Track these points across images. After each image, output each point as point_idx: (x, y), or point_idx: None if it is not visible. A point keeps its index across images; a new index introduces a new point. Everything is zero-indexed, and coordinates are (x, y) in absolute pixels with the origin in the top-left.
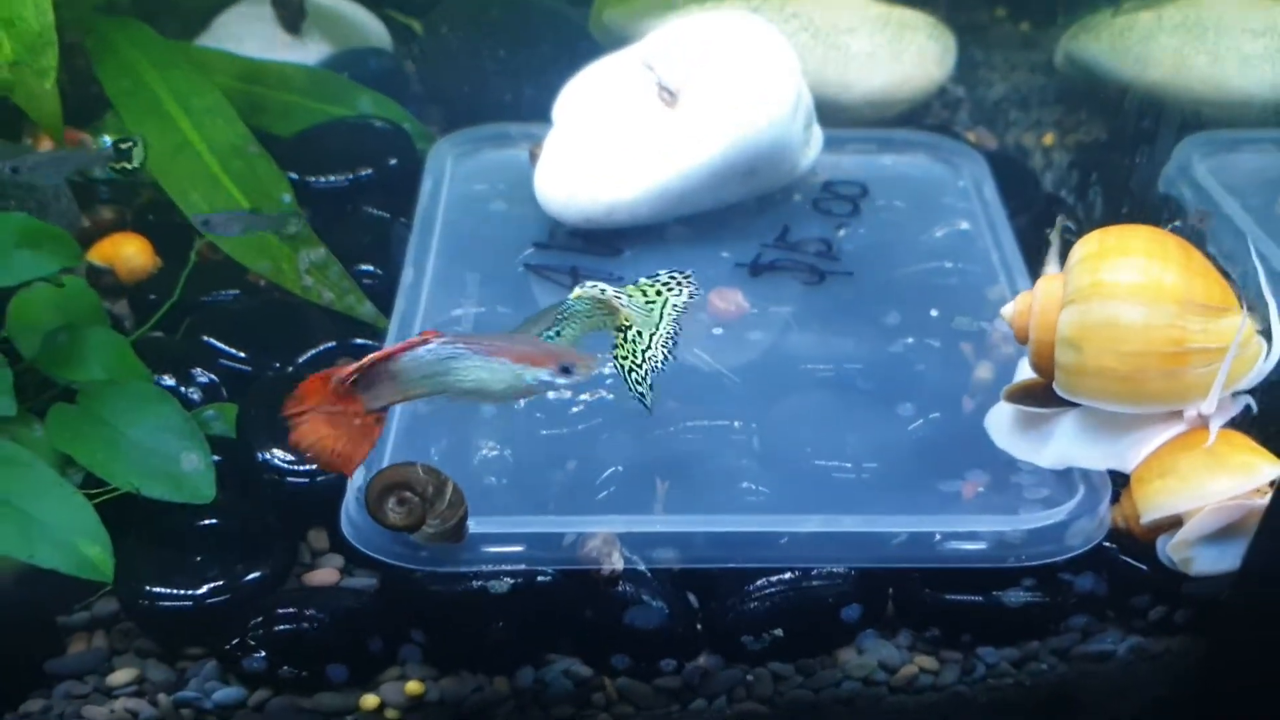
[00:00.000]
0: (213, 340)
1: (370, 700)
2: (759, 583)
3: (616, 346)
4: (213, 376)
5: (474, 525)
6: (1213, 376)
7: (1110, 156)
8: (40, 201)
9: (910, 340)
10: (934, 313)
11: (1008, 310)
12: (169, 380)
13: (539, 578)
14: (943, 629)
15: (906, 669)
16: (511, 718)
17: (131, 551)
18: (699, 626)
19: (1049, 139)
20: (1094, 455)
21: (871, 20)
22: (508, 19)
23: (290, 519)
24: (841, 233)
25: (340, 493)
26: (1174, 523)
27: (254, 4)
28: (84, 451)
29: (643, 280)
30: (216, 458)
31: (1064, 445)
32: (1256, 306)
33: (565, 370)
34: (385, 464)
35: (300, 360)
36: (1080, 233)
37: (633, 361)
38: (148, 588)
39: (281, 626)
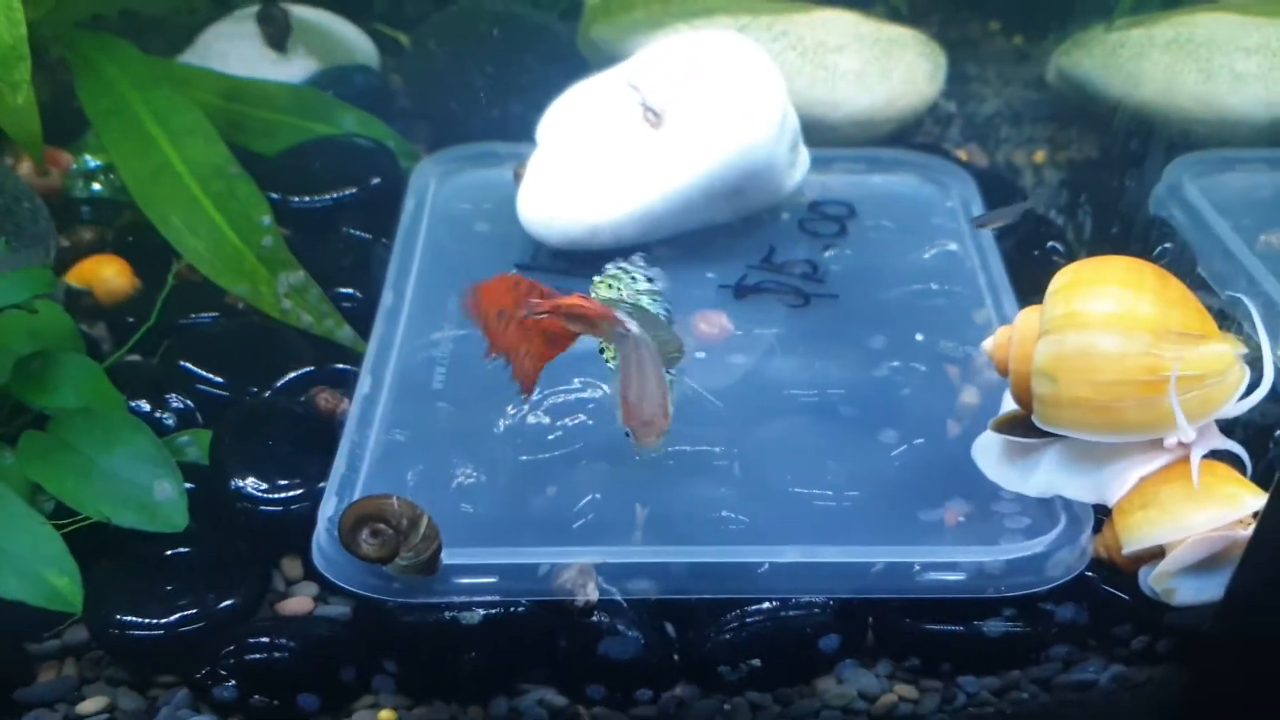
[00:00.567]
0: (189, 365)
1: None
2: (737, 612)
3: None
4: (188, 402)
5: (448, 556)
6: (1191, 404)
7: (1100, 175)
8: (17, 223)
9: (895, 364)
10: (919, 336)
11: (988, 344)
12: (145, 405)
13: (513, 608)
14: (923, 658)
15: (886, 698)
16: None
17: (102, 580)
18: (675, 656)
19: (1040, 156)
20: (1077, 487)
21: (860, 38)
22: (495, 35)
23: (263, 547)
24: (828, 254)
25: (314, 522)
26: (1156, 553)
27: (239, 21)
28: (54, 480)
29: (595, 279)
30: (190, 485)
31: (1048, 476)
32: (1244, 332)
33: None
34: (359, 489)
35: (278, 385)
36: (1069, 254)
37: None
38: (119, 616)
39: (253, 655)
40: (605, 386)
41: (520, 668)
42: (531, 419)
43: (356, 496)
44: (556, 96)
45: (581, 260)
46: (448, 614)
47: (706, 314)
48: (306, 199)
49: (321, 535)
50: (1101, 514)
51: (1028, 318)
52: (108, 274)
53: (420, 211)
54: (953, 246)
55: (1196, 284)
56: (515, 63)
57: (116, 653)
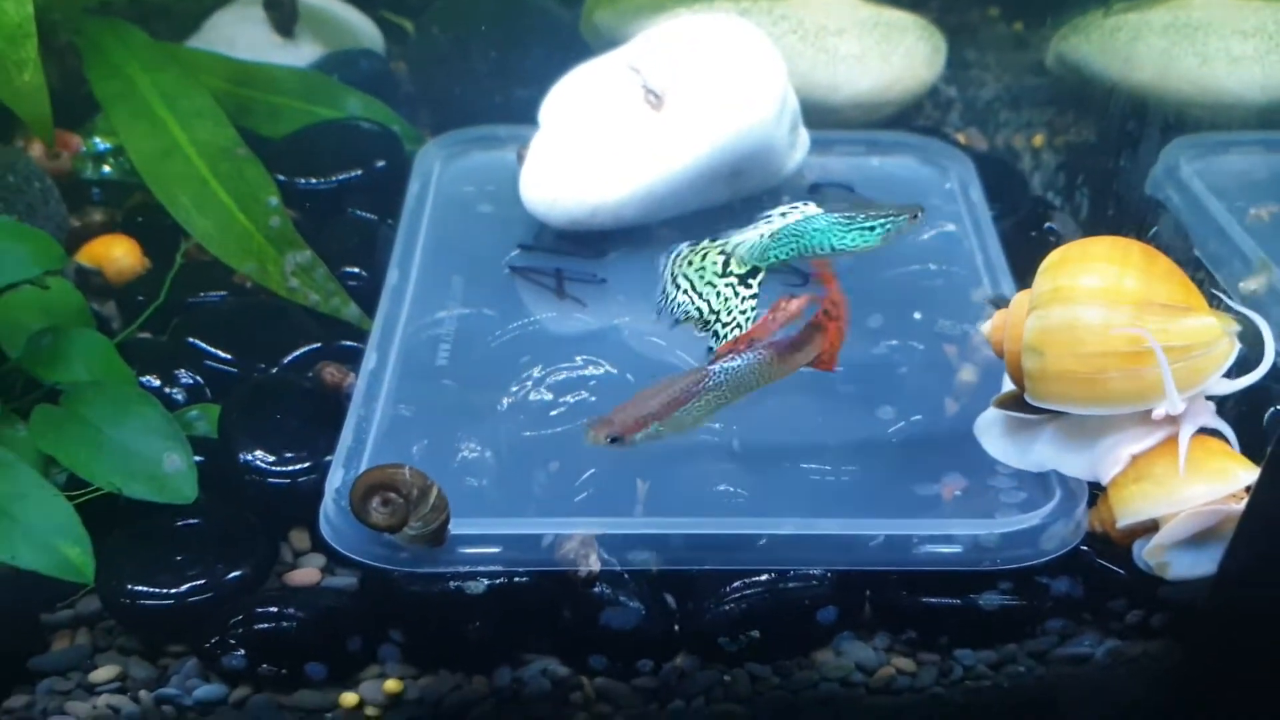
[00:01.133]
0: (198, 341)
1: (349, 698)
2: (736, 584)
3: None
4: (197, 377)
5: (453, 527)
6: (1176, 375)
7: (1098, 158)
8: (29, 204)
9: (894, 342)
10: (917, 315)
11: (985, 328)
12: (154, 381)
13: (517, 578)
14: (920, 631)
15: (884, 670)
16: (490, 716)
17: (114, 550)
18: (676, 627)
19: (1038, 140)
20: (1072, 463)
21: (860, 22)
22: (499, 20)
23: (272, 519)
24: None
25: (321, 494)
26: (1150, 527)
27: (246, 5)
28: (67, 452)
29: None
30: (199, 458)
31: (1046, 452)
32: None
33: None
34: (365, 461)
35: (285, 361)
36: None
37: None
38: (130, 586)
39: (261, 625)
40: (607, 364)
41: (523, 638)
42: (534, 396)
43: (363, 469)
44: (558, 79)
45: (582, 240)
46: (453, 584)
47: None
48: (313, 181)
49: (329, 506)
50: (1096, 488)
51: (1021, 300)
52: (117, 254)
53: (424, 193)
54: (951, 227)
55: (1192, 265)
56: (518, 47)
57: (128, 622)
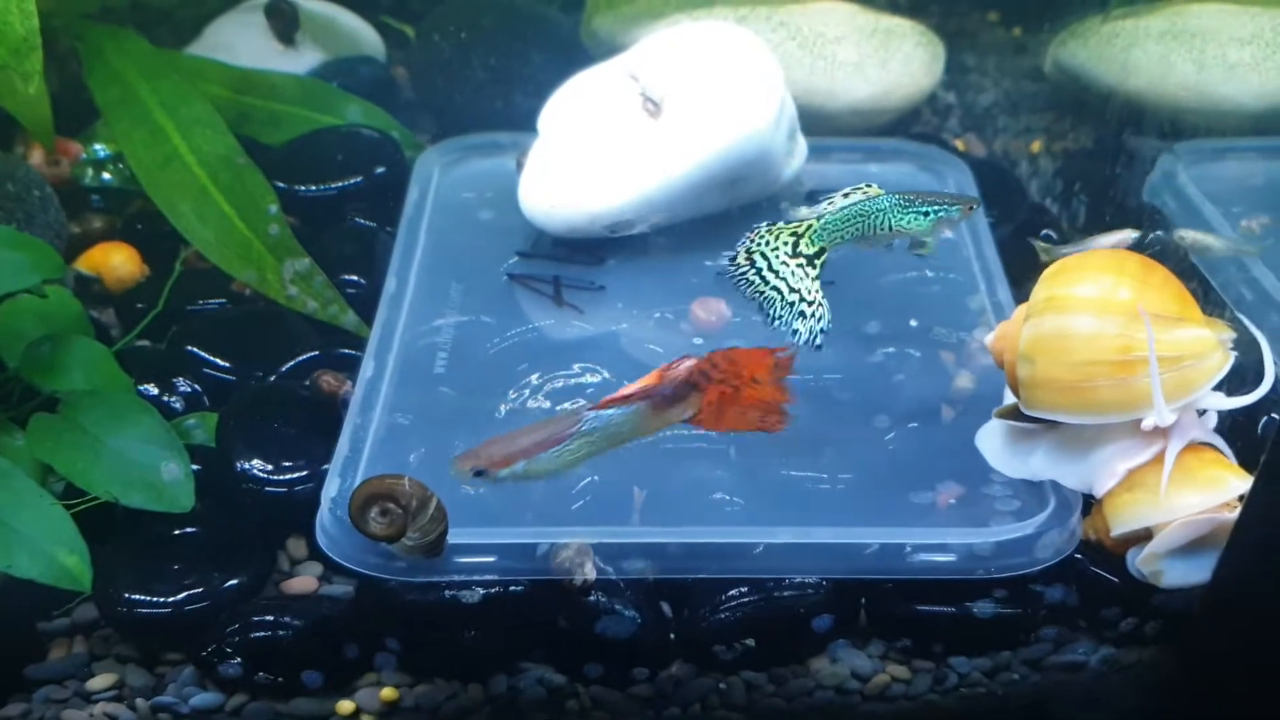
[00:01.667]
0: (196, 349)
1: (346, 706)
2: (732, 592)
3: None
4: (195, 385)
5: (449, 535)
6: (1165, 385)
7: (1095, 164)
8: (28, 211)
9: (890, 349)
10: (914, 322)
11: (989, 339)
12: (152, 389)
13: (513, 587)
14: (915, 639)
15: (879, 678)
16: None
17: (111, 559)
18: (672, 635)
19: (1036, 146)
20: (1069, 475)
21: (859, 29)
22: (500, 26)
23: (269, 527)
24: None
25: (318, 502)
26: (1144, 536)
27: (248, 12)
28: (64, 461)
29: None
30: (196, 467)
31: (1043, 464)
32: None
33: None
34: (361, 469)
35: (283, 369)
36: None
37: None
38: (127, 595)
39: (258, 633)
40: (605, 372)
41: (519, 646)
42: (532, 403)
43: (359, 478)
44: (558, 86)
45: (581, 248)
46: (448, 593)
47: (705, 301)
48: (312, 188)
49: (325, 516)
50: (1091, 497)
51: (1021, 311)
52: (117, 261)
53: (424, 200)
54: (948, 234)
55: (1188, 272)
56: (518, 54)
57: (125, 630)
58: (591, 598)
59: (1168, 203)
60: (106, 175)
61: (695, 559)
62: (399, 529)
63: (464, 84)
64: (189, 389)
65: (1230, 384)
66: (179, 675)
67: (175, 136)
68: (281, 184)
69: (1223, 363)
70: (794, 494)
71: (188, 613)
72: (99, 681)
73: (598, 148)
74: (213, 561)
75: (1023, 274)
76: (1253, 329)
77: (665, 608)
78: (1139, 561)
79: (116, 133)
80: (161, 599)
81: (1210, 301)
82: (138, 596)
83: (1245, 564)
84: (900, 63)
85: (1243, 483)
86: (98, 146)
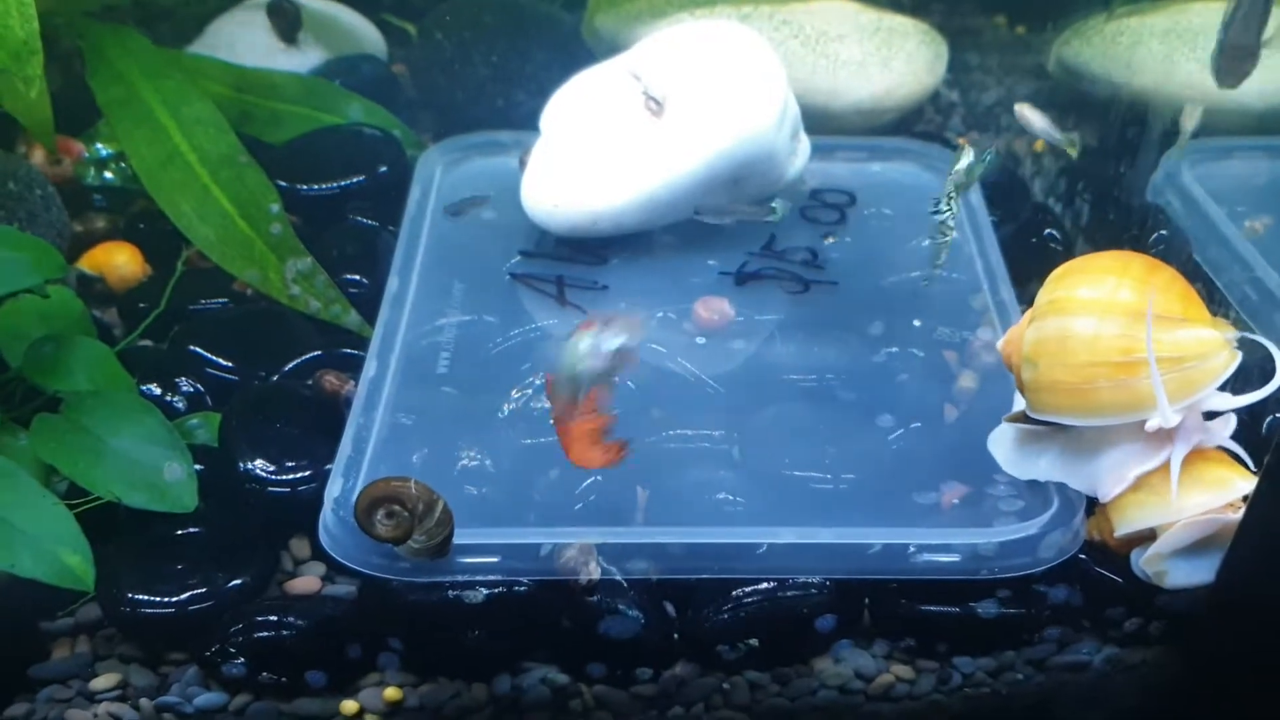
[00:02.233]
0: (199, 349)
1: (350, 706)
2: (735, 592)
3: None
4: (198, 385)
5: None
6: (1167, 386)
7: (1099, 164)
8: (30, 211)
9: (893, 349)
10: (917, 322)
11: (1000, 343)
12: (155, 389)
13: (516, 587)
14: (919, 639)
15: (883, 678)
16: None
17: (114, 559)
18: (675, 635)
19: (1039, 145)
20: (1077, 479)
21: (862, 27)
22: (502, 25)
23: (272, 527)
24: (828, 241)
25: (321, 502)
26: (1148, 536)
27: (249, 11)
28: (67, 461)
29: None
30: (199, 467)
31: (1052, 467)
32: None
33: None
34: (364, 470)
35: (285, 369)
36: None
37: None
38: (130, 594)
39: (262, 633)
40: None
41: (523, 646)
42: (535, 403)
43: (362, 478)
44: (560, 85)
45: (583, 247)
46: (452, 593)
47: (708, 300)
48: (314, 187)
49: (328, 516)
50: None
51: (1028, 314)
52: (119, 260)
53: (426, 199)
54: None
55: (1191, 271)
56: (520, 52)
57: (128, 630)
58: (595, 598)
59: (1171, 201)
60: (109, 174)
61: (699, 559)
62: (405, 532)
63: (466, 82)
64: (191, 389)
65: (1236, 384)
66: (183, 675)
67: (177, 135)
68: (283, 183)
69: (1228, 363)
70: (797, 494)
71: (191, 613)
72: (102, 681)
73: (600, 147)
74: (216, 561)
75: (1025, 274)
76: (1266, 343)
77: (669, 608)
78: (1143, 562)
79: (118, 132)
80: (165, 599)
81: (1215, 301)
82: (141, 596)
83: (1250, 564)
84: (903, 61)
85: (1247, 483)
86: (99, 146)
